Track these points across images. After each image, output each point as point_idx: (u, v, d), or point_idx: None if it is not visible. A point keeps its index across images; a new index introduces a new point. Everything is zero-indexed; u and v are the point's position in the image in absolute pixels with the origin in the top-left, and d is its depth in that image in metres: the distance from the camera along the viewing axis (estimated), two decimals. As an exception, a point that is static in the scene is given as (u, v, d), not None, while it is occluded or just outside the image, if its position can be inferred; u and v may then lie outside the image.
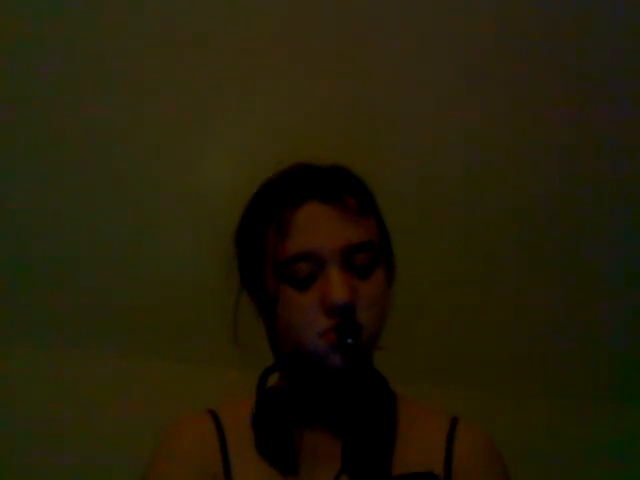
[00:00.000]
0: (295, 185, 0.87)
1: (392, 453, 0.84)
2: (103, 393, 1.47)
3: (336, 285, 0.81)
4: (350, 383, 0.83)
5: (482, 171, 1.56)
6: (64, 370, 1.47)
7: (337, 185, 0.87)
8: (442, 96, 1.53)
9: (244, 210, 0.93)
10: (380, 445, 0.82)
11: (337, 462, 0.81)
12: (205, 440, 0.88)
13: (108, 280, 1.50)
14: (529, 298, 1.64)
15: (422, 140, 1.54)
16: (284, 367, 0.91)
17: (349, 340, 0.81)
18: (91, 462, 1.41)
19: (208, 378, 1.46)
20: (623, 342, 1.66)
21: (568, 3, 1.46)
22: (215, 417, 0.91)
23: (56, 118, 1.43)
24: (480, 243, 1.60)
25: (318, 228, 0.84)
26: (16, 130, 1.43)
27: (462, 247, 1.60)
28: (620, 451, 1.64)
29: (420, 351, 1.54)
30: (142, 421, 1.38)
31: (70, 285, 1.49)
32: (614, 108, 1.54)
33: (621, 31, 1.48)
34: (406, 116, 1.52)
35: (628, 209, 1.61)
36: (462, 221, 1.58)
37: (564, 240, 1.62)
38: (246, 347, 0.92)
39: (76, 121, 1.44)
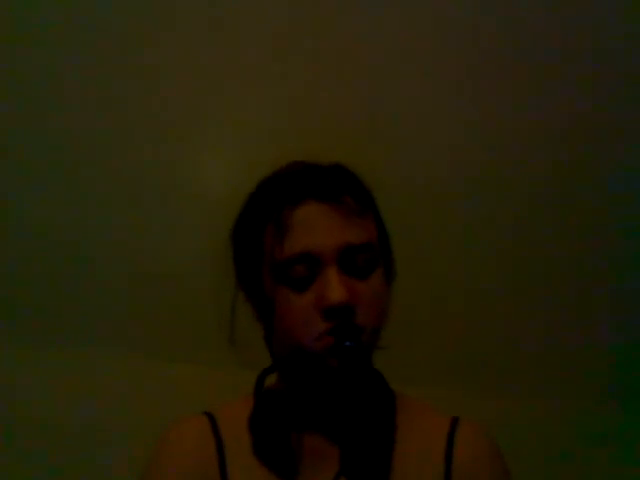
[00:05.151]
0: (293, 185, 0.86)
1: (391, 455, 0.83)
2: (102, 393, 1.47)
3: (334, 286, 0.80)
4: (348, 385, 0.82)
5: (483, 170, 1.56)
6: (63, 370, 1.47)
7: (335, 185, 0.86)
8: (442, 95, 1.52)
9: (241, 209, 0.92)
10: (378, 448, 0.82)
11: (335, 465, 0.81)
12: (202, 443, 0.88)
13: (108, 281, 1.50)
14: (530, 298, 1.64)
15: (422, 140, 1.54)
16: (282, 368, 0.90)
17: (348, 343, 0.80)
18: (90, 462, 1.41)
19: (207, 378, 1.46)
20: (623, 343, 1.66)
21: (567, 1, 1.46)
22: (212, 419, 0.90)
23: (59, 120, 1.43)
24: (480, 242, 1.60)
25: (316, 228, 0.83)
26: (17, 131, 1.43)
27: (462, 247, 1.60)
28: (620, 452, 1.64)
29: (420, 351, 1.54)
30: (141, 421, 1.38)
31: (69, 286, 1.49)
32: (615, 106, 1.54)
33: (621, 27, 1.48)
34: (406, 116, 1.52)
35: (628, 207, 1.61)
36: (462, 220, 1.58)
37: (565, 239, 1.61)
38: (244, 347, 0.92)
39: (77, 122, 1.44)
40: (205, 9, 1.42)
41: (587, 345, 1.65)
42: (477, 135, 1.55)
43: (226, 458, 0.87)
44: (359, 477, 0.80)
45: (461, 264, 1.60)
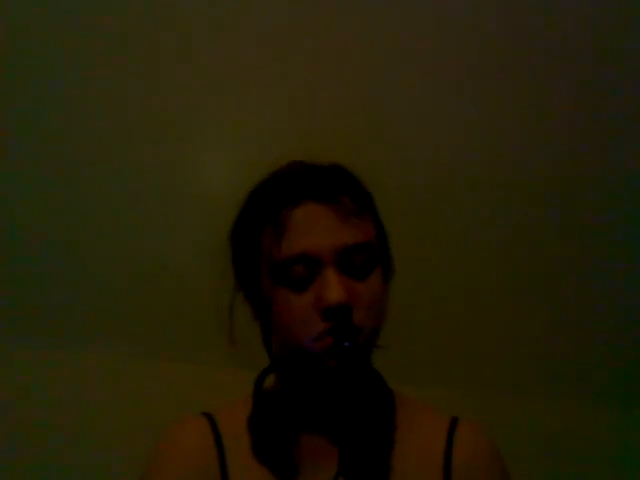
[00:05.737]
0: (291, 185, 0.86)
1: (390, 455, 0.83)
2: (102, 393, 1.47)
3: (332, 286, 0.80)
4: (347, 385, 0.82)
5: (483, 170, 1.56)
6: (63, 370, 1.46)
7: (334, 185, 0.86)
8: (442, 95, 1.52)
9: (240, 209, 0.92)
10: (377, 448, 0.82)
11: (335, 465, 0.80)
12: (201, 443, 0.88)
13: (108, 281, 1.50)
14: (530, 298, 1.64)
15: (422, 140, 1.54)
16: (281, 368, 0.90)
17: (346, 343, 0.80)
18: (90, 462, 1.41)
19: (207, 378, 1.46)
20: (623, 343, 1.66)
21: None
22: (211, 420, 0.90)
23: (59, 120, 1.43)
24: (480, 242, 1.60)
25: (314, 229, 0.83)
26: (17, 131, 1.43)
27: (463, 246, 1.59)
28: (621, 454, 1.64)
29: (420, 351, 1.54)
30: (141, 421, 1.38)
31: (69, 286, 1.49)
32: (615, 106, 1.54)
33: (621, 27, 1.48)
34: (406, 116, 1.52)
35: (628, 207, 1.60)
36: (462, 220, 1.58)
37: (565, 239, 1.61)
38: (244, 347, 0.92)
39: (78, 121, 1.44)
40: (205, 9, 1.42)
41: (587, 345, 1.65)
42: (477, 135, 1.55)
43: (226, 458, 0.87)
44: (358, 477, 0.80)
45: (461, 264, 1.60)
